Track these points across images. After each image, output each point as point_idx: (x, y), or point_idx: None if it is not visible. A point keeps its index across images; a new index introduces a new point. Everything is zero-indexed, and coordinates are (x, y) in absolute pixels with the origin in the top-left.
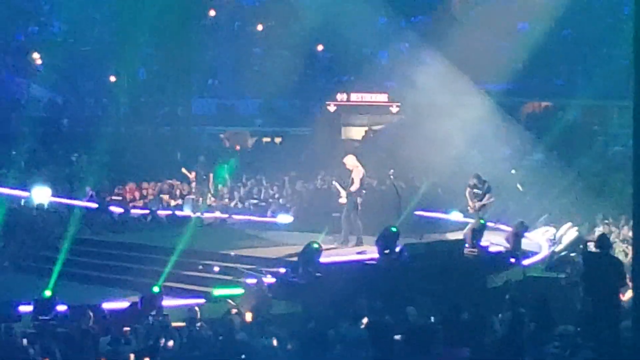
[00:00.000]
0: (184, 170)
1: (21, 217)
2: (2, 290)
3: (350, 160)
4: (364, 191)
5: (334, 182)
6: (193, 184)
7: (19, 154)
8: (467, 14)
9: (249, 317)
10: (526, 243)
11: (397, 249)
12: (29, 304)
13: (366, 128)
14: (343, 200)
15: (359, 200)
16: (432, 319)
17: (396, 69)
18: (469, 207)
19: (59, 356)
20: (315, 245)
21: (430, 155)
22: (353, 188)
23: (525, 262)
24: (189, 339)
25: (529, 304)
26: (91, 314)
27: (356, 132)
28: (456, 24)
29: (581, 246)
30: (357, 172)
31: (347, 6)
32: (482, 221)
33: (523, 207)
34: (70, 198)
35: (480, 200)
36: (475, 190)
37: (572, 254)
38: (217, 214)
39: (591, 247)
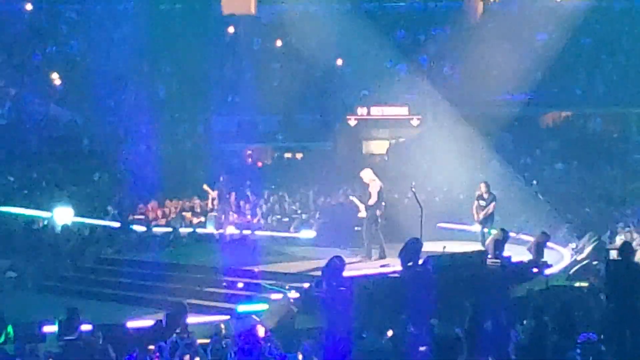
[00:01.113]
0: (205, 186)
1: (44, 238)
2: (26, 311)
3: (366, 174)
4: (383, 204)
5: (351, 198)
6: (215, 202)
7: (40, 175)
8: (486, 26)
9: (261, 332)
10: (549, 252)
11: (420, 261)
12: (53, 324)
13: (387, 141)
14: (362, 214)
15: (378, 213)
16: (456, 330)
17: (416, 81)
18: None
19: None
20: (339, 260)
21: (452, 166)
22: (371, 202)
23: (548, 271)
24: (215, 355)
25: (552, 312)
26: (100, 333)
27: (377, 146)
28: (475, 36)
29: (603, 254)
30: (374, 185)
31: (366, 20)
32: (503, 231)
33: (545, 217)
34: (93, 217)
35: (484, 210)
36: (480, 202)
37: (595, 262)
38: (240, 230)
39: (613, 255)
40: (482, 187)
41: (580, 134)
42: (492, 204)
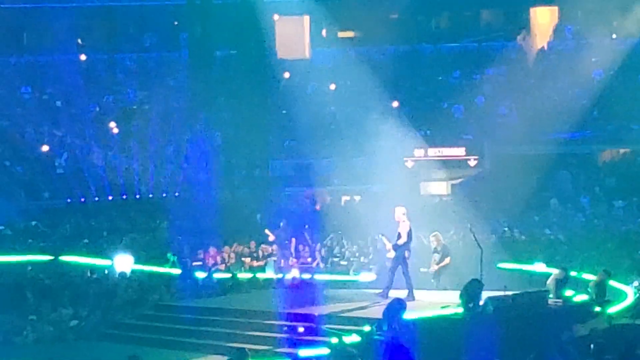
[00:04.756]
0: (267, 231)
1: (104, 286)
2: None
3: (399, 211)
4: (411, 244)
5: (380, 237)
6: (274, 246)
7: (99, 223)
8: (541, 64)
9: None
10: (611, 291)
11: (481, 302)
12: None
13: (445, 182)
14: (391, 254)
15: (406, 254)
16: None
17: (472, 121)
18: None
19: None
20: (399, 302)
21: (510, 206)
22: (400, 242)
23: (611, 310)
24: None
25: (616, 351)
26: None
27: (435, 187)
28: (531, 74)
29: None
30: (404, 226)
31: (421, 61)
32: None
33: (605, 255)
34: (153, 264)
35: (438, 263)
36: (435, 255)
37: None
38: (299, 274)
39: None
40: (433, 239)
41: (638, 171)
42: (447, 257)
